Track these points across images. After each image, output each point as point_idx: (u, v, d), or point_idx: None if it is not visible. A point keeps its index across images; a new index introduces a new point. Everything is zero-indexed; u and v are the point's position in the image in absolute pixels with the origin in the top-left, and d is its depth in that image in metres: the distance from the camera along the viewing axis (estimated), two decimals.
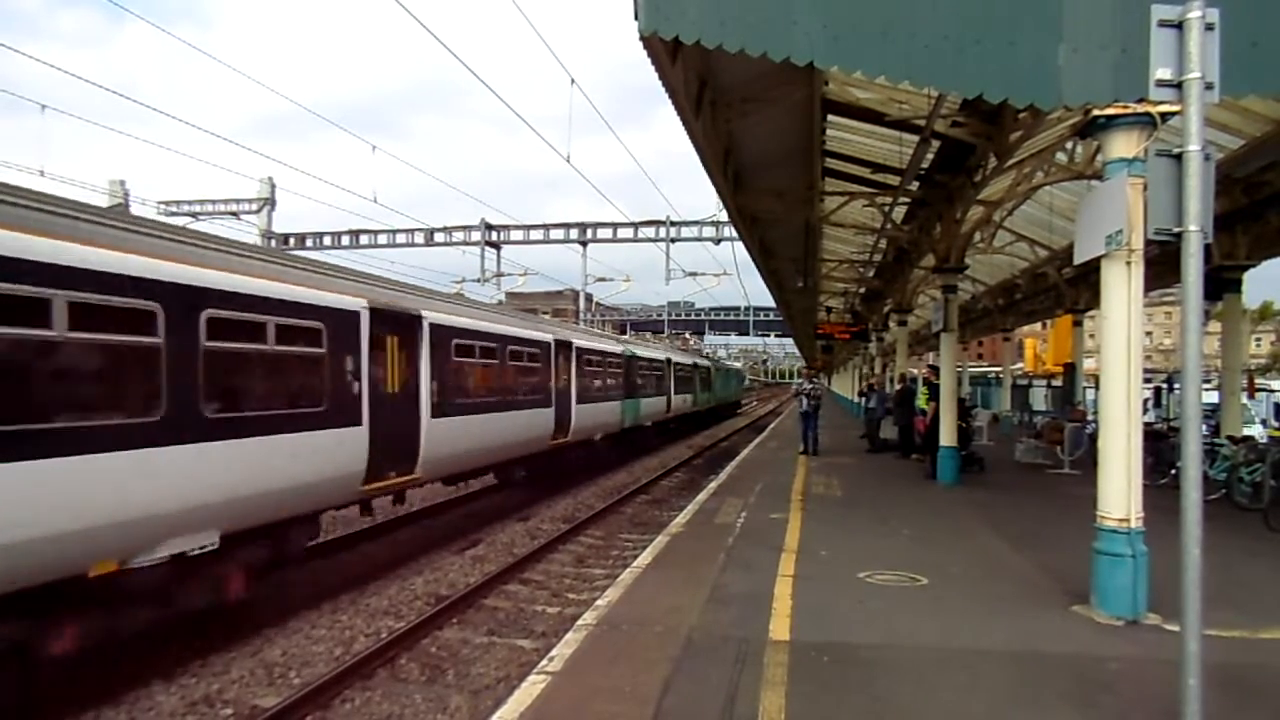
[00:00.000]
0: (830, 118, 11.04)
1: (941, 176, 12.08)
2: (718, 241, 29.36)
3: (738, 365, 74.08)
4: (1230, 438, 12.06)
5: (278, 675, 6.44)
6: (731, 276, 54.14)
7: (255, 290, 6.91)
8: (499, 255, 32.22)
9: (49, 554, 5.12)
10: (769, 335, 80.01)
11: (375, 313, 8.82)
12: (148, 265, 5.82)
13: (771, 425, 32.61)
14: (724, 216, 20.66)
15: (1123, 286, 5.80)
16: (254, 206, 31.27)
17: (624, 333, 51.24)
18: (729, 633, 5.61)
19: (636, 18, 5.27)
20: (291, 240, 32.27)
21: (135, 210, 21.78)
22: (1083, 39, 4.91)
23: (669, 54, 7.23)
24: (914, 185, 12.89)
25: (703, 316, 69.24)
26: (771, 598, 6.48)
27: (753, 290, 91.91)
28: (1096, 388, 8.26)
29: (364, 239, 32.38)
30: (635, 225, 31.21)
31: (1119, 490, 5.84)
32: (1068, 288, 19.91)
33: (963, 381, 26.56)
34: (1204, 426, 6.85)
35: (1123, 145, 5.70)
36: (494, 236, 31.71)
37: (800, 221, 15.40)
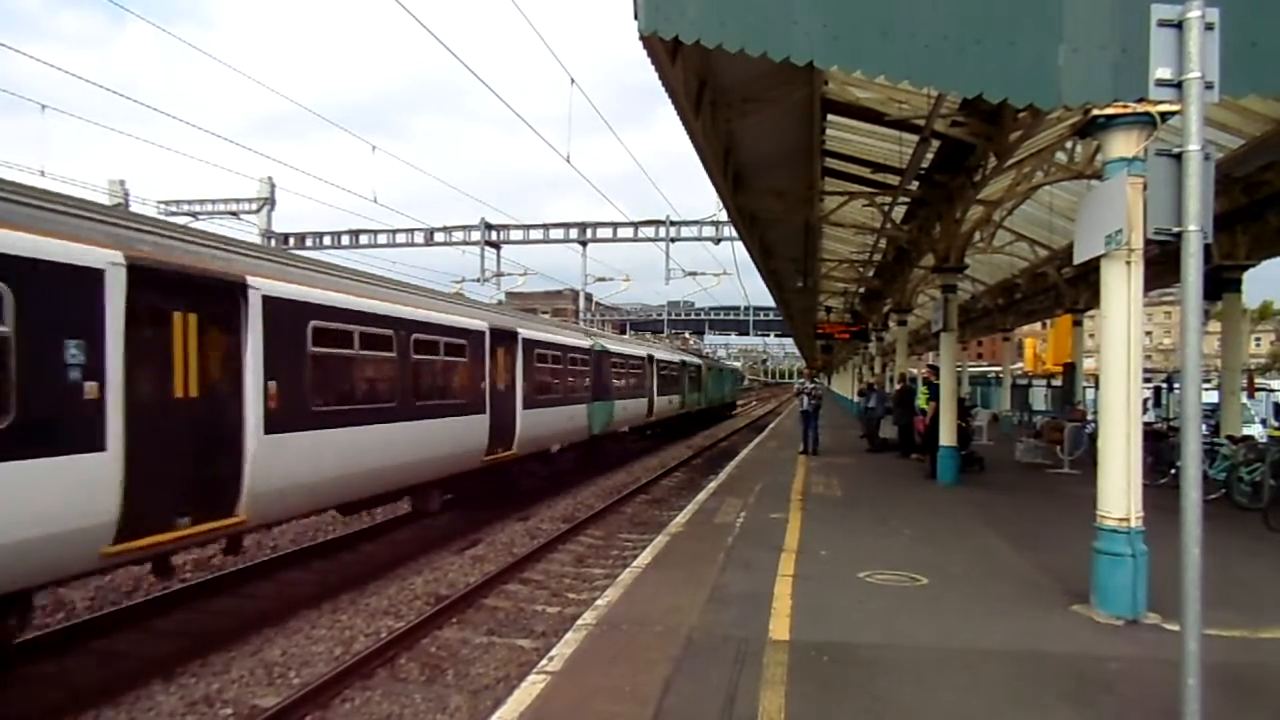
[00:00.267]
0: (830, 117, 11.05)
1: (941, 176, 12.08)
2: (718, 241, 29.39)
3: (734, 365, 71.85)
4: (1230, 437, 12.07)
5: (277, 675, 6.43)
6: (731, 276, 54.15)
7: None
8: (499, 255, 32.23)
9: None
10: (769, 335, 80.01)
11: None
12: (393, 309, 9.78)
13: (771, 425, 32.60)
14: (724, 216, 20.64)
15: (1122, 286, 5.80)
16: (254, 206, 31.28)
17: (624, 333, 51.20)
18: (729, 632, 5.61)
19: (636, 17, 5.27)
20: (291, 240, 32.27)
21: (134, 210, 21.75)
22: (1083, 39, 4.91)
23: (669, 54, 7.23)
24: (914, 185, 12.89)
25: (702, 316, 69.26)
26: (771, 597, 6.47)
27: (753, 290, 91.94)
28: (1096, 387, 8.26)
29: (364, 239, 32.39)
30: (635, 225, 31.22)
31: (1119, 490, 5.84)
32: (1067, 287, 19.91)
33: (962, 381, 26.57)
34: (1204, 426, 6.85)
35: (1122, 145, 5.70)
36: (494, 236, 31.71)
37: (800, 221, 15.40)
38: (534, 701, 4.51)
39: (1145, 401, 16.11)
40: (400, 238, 32.26)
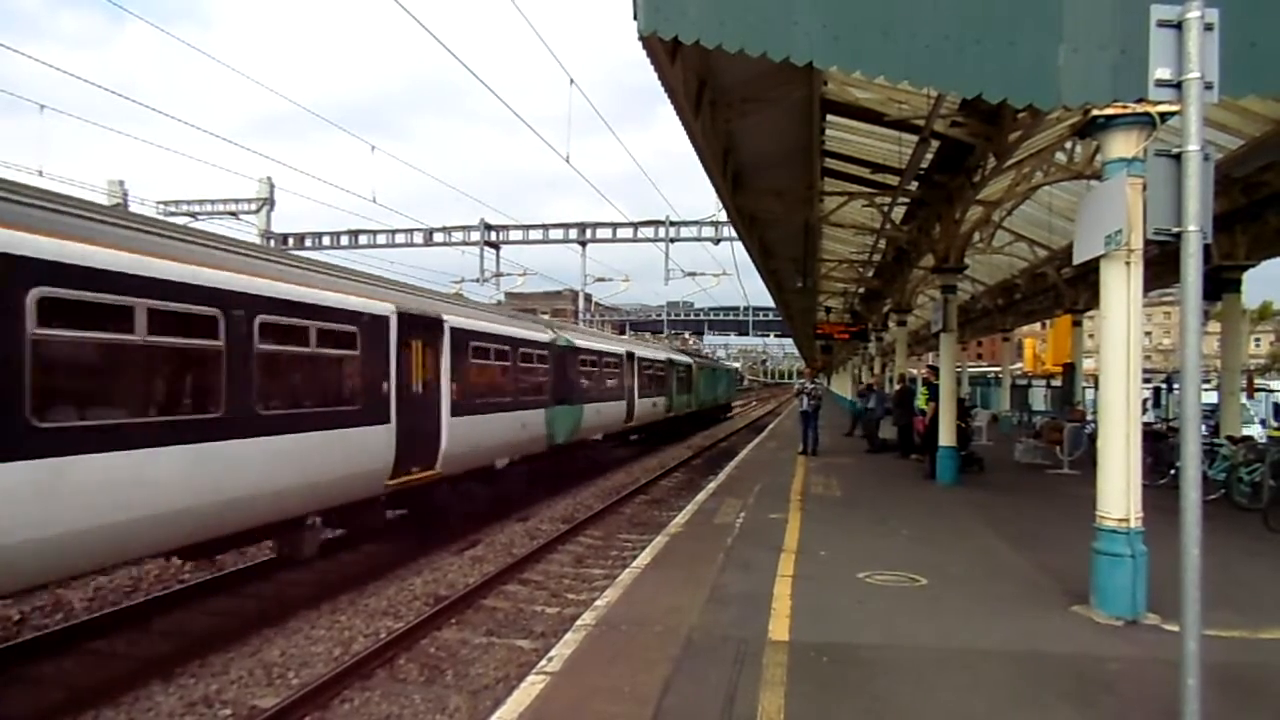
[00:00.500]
0: (830, 118, 11.05)
1: (941, 176, 12.08)
2: (717, 241, 29.42)
3: (730, 364, 68.95)
4: (1229, 438, 12.07)
5: (277, 675, 6.43)
6: (731, 276, 54.20)
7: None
8: (498, 255, 32.27)
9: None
10: (769, 335, 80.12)
11: None
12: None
13: (771, 425, 32.59)
14: (723, 216, 20.63)
15: (1122, 286, 5.80)
16: (253, 206, 31.28)
17: (623, 333, 51.14)
18: (728, 633, 5.60)
19: (636, 18, 5.27)
20: (291, 240, 32.27)
21: (132, 210, 21.75)
22: (1082, 39, 4.91)
23: (668, 54, 7.23)
24: (913, 185, 12.89)
25: (702, 317, 69.32)
26: (771, 598, 6.47)
27: (752, 290, 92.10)
28: (1096, 388, 8.27)
29: (363, 239, 32.40)
30: (635, 225, 31.24)
31: (1118, 490, 5.84)
32: (1067, 288, 19.92)
33: (962, 381, 26.60)
34: (1203, 426, 6.84)
35: (1122, 145, 5.70)
36: (493, 236, 31.73)
37: (800, 221, 15.39)
38: (533, 702, 4.51)
39: (1145, 402, 16.11)
40: (400, 238, 32.28)
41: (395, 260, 53.19)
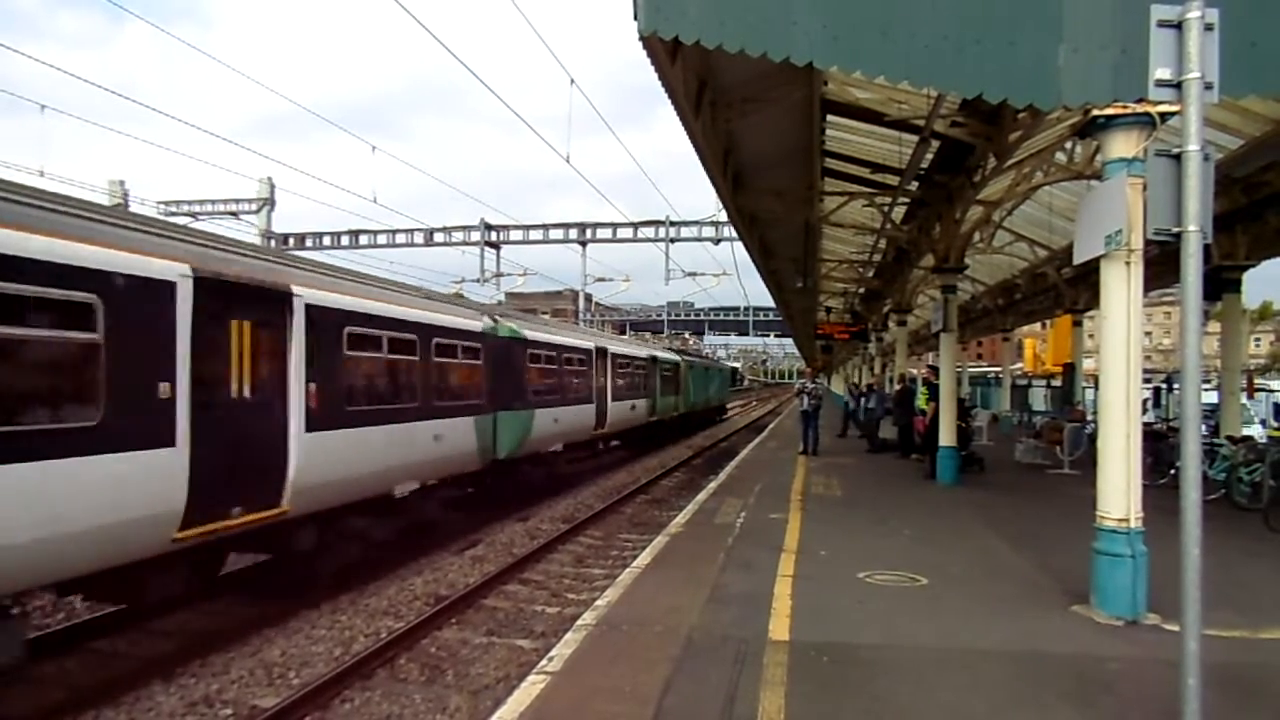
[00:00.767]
0: (830, 118, 11.05)
1: (941, 176, 12.08)
2: (717, 241, 29.40)
3: (727, 364, 65.90)
4: (1230, 438, 12.07)
5: (277, 675, 6.43)
6: (731, 277, 54.14)
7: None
8: (498, 255, 32.26)
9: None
10: (769, 335, 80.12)
11: None
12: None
13: (771, 425, 32.60)
14: (724, 216, 20.61)
15: (1122, 286, 5.81)
16: (254, 206, 31.28)
17: (623, 333, 51.03)
18: (729, 633, 5.61)
19: (636, 18, 5.27)
20: (291, 240, 32.28)
21: (132, 210, 21.72)
22: (1082, 39, 4.92)
23: (669, 54, 7.24)
24: (913, 185, 12.90)
25: (702, 317, 69.33)
26: (771, 598, 6.47)
27: (752, 290, 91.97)
28: (1096, 388, 8.27)
29: (364, 239, 32.40)
30: (635, 225, 31.24)
31: (1118, 490, 5.84)
32: (1067, 288, 19.91)
33: (962, 381, 26.60)
34: (1203, 426, 6.84)
35: (1122, 145, 5.70)
36: (494, 236, 31.73)
37: (800, 221, 15.40)
38: (534, 702, 4.51)
39: (1145, 402, 16.11)
40: (400, 238, 32.27)
41: (395, 260, 53.20)
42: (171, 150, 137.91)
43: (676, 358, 29.73)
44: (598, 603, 6.50)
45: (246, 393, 7.16)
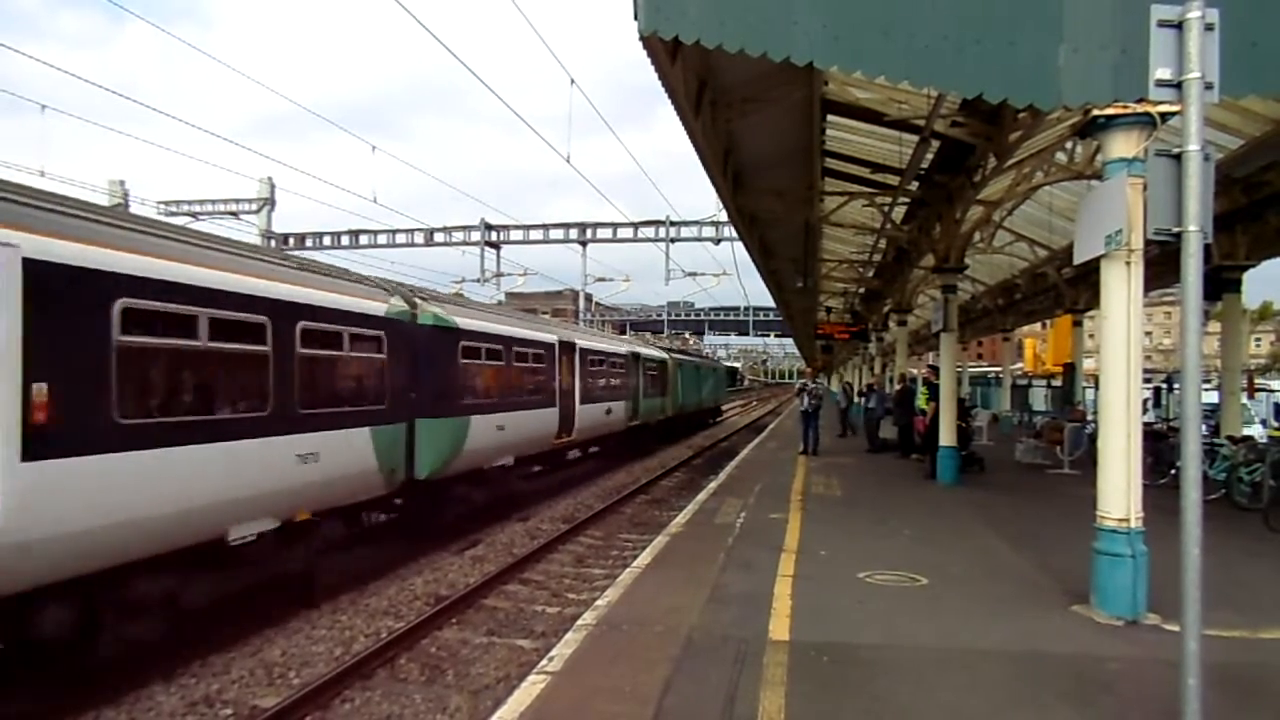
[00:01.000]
0: (830, 118, 11.05)
1: (941, 176, 12.09)
2: (718, 241, 29.39)
3: (723, 363, 62.76)
4: (1230, 438, 12.07)
5: (277, 675, 6.44)
6: (731, 276, 54.09)
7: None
8: (499, 255, 32.25)
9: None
10: (769, 335, 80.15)
11: None
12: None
13: (771, 425, 32.60)
14: (724, 216, 20.59)
15: (1122, 286, 5.81)
16: (254, 206, 31.29)
17: (624, 333, 51.01)
18: (729, 633, 5.61)
19: (636, 18, 5.27)
20: (291, 240, 32.29)
21: (133, 209, 21.71)
22: (1083, 39, 4.91)
23: (669, 54, 7.24)
24: (914, 185, 12.90)
25: (702, 317, 69.37)
26: (771, 598, 6.47)
27: (753, 290, 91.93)
28: (1096, 388, 8.27)
29: (364, 239, 32.40)
30: (635, 225, 31.24)
31: (1119, 490, 5.84)
32: (1067, 288, 19.92)
33: (962, 381, 26.59)
34: (1204, 426, 6.85)
35: (1122, 145, 5.70)
36: (494, 236, 31.73)
37: (800, 221, 15.40)
38: (534, 702, 4.51)
39: (1145, 402, 16.12)
40: (400, 238, 32.27)
41: (396, 260, 53.22)
42: (171, 150, 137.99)
43: (663, 355, 27.61)
44: (598, 603, 6.50)
45: None
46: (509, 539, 11.70)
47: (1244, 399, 15.63)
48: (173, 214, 29.60)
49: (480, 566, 10.03)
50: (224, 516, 6.85)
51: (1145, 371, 6.47)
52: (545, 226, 31.96)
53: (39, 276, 5.22)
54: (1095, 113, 5.70)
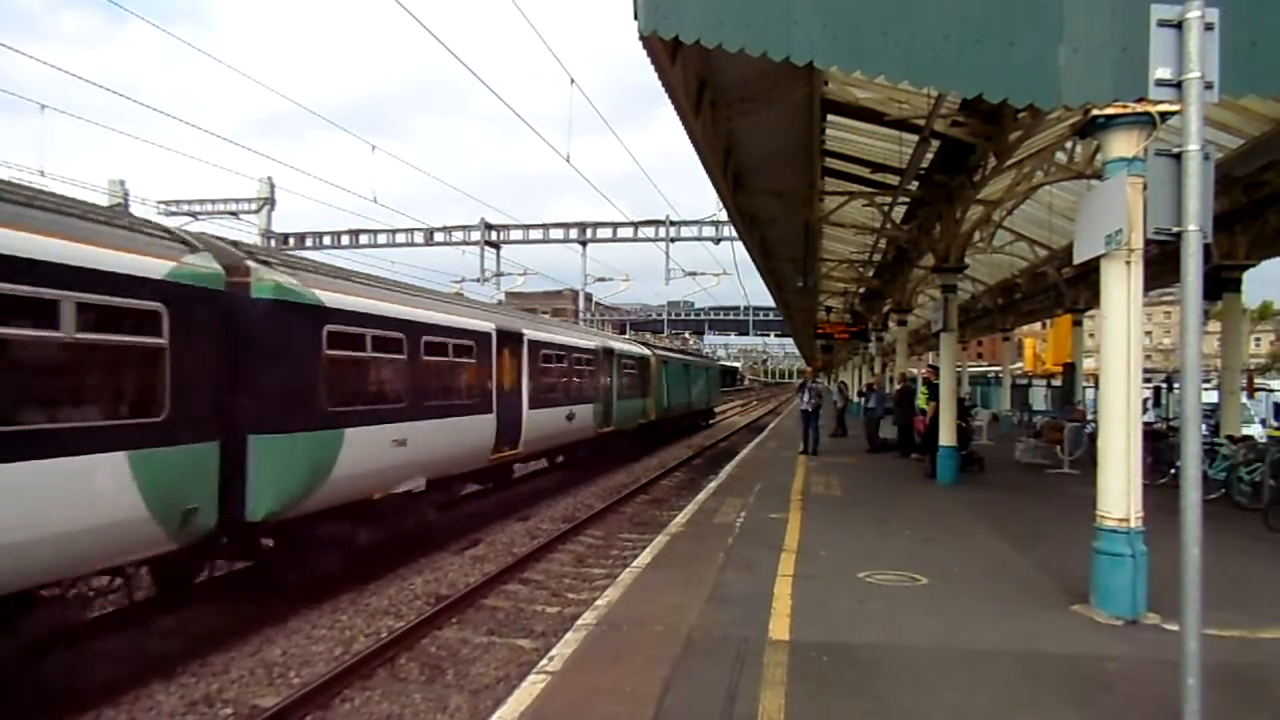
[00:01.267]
0: (830, 117, 11.05)
1: (941, 176, 12.09)
2: (717, 241, 29.44)
3: (719, 361, 59.49)
4: (1230, 437, 12.07)
5: (277, 675, 6.44)
6: (731, 276, 54.11)
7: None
8: (499, 255, 32.29)
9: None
10: (769, 335, 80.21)
11: None
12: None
13: (771, 425, 32.60)
14: (724, 216, 20.61)
15: (1122, 286, 5.81)
16: (253, 206, 31.30)
17: (624, 333, 50.98)
18: (729, 632, 5.61)
19: (636, 17, 5.28)
20: (291, 240, 32.29)
21: (133, 209, 21.68)
22: (1083, 39, 4.92)
23: (669, 54, 7.24)
24: (914, 185, 12.90)
25: (702, 316, 69.42)
26: (771, 597, 6.47)
27: (753, 290, 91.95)
28: (1096, 387, 8.27)
29: (364, 239, 32.42)
30: (635, 225, 31.27)
31: (1119, 490, 5.84)
32: (1067, 287, 19.92)
33: (962, 381, 26.61)
34: (1203, 426, 6.85)
35: (1122, 145, 5.70)
36: (494, 236, 31.76)
37: (800, 221, 15.41)
38: (534, 701, 4.51)
39: (1145, 401, 16.12)
40: (400, 238, 32.31)
41: (396, 260, 53.23)
42: (171, 150, 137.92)
43: (644, 351, 24.51)
44: (598, 602, 6.50)
45: None
46: (509, 538, 11.70)
47: (1244, 399, 15.63)
48: (172, 214, 29.61)
49: (480, 566, 10.03)
50: None
51: (1145, 371, 6.48)
52: (545, 226, 31.99)
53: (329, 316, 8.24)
54: (1095, 112, 5.69)
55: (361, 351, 9.03)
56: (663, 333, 64.62)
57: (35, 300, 5.32)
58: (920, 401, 15.09)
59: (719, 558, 7.90)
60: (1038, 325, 44.36)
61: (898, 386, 20.75)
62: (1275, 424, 19.31)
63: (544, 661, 5.21)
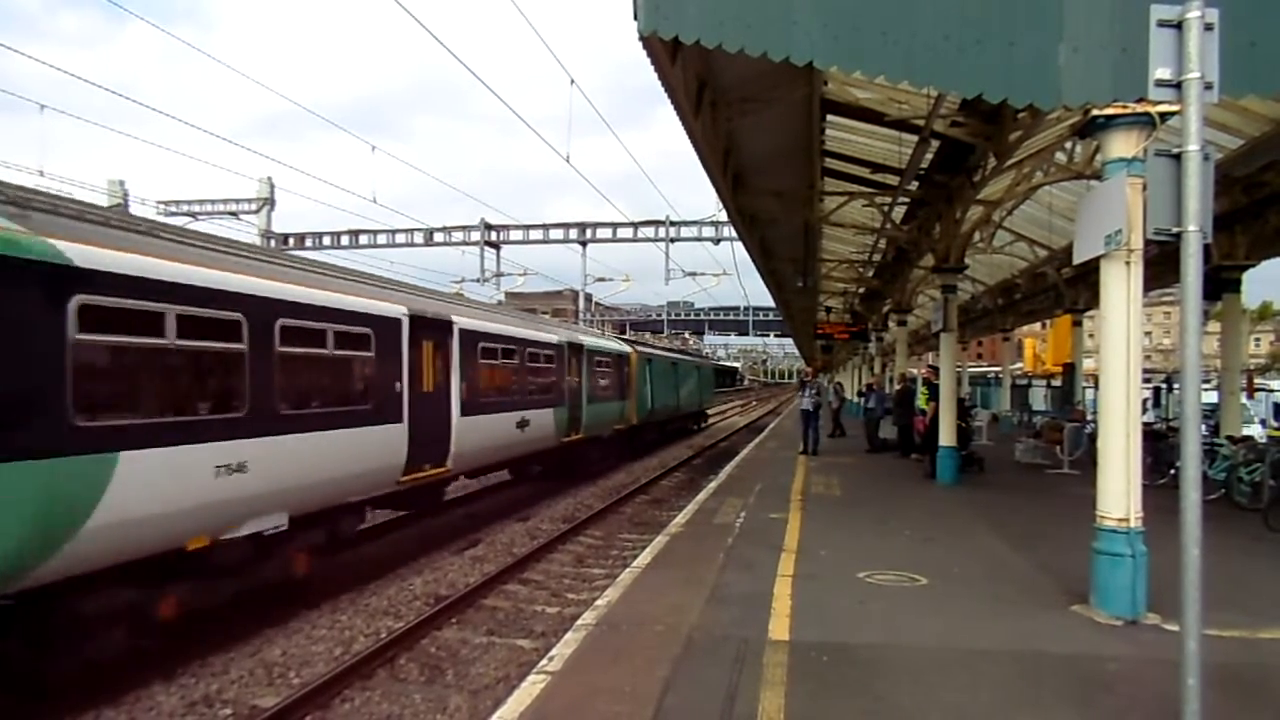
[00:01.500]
0: (830, 117, 11.05)
1: (941, 176, 12.09)
2: (717, 241, 29.43)
3: (711, 359, 57.01)
4: (1229, 438, 12.07)
5: (277, 675, 6.43)
6: (731, 276, 54.10)
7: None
8: (499, 255, 32.27)
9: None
10: (769, 335, 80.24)
11: None
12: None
13: (771, 425, 32.60)
14: (724, 216, 20.56)
15: (1122, 286, 5.81)
16: (253, 206, 31.29)
17: (624, 333, 50.94)
18: (729, 632, 5.61)
19: (636, 18, 5.28)
20: (291, 240, 32.28)
21: (133, 209, 21.68)
22: (1083, 39, 4.92)
23: (669, 54, 7.24)
24: (913, 185, 12.90)
25: (702, 317, 69.43)
26: (771, 597, 6.48)
27: (753, 290, 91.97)
28: (1096, 388, 8.27)
29: (364, 239, 32.41)
30: (635, 225, 31.27)
31: (1118, 490, 5.84)
32: (1067, 288, 19.93)
33: (962, 381, 26.61)
34: (1203, 426, 6.84)
35: (1122, 145, 5.70)
36: (494, 236, 31.75)
37: (800, 221, 15.40)
38: (534, 702, 4.51)
39: (1145, 401, 16.12)
40: (400, 238, 32.29)
41: (396, 260, 53.30)
42: (171, 150, 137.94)
43: (622, 348, 21.64)
44: (598, 602, 6.50)
45: None
46: (509, 539, 11.70)
47: (1243, 399, 15.64)
48: (172, 214, 29.60)
49: (480, 566, 10.02)
50: None
51: (1145, 371, 6.48)
52: (545, 226, 31.98)
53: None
54: (1095, 113, 5.69)
55: (155, 337, 6.07)
56: (663, 333, 64.63)
57: None
58: (920, 402, 15.09)
59: (719, 558, 7.90)
60: (1037, 325, 44.36)
61: (897, 387, 20.76)
62: (1275, 424, 19.30)
63: (544, 662, 5.21)
